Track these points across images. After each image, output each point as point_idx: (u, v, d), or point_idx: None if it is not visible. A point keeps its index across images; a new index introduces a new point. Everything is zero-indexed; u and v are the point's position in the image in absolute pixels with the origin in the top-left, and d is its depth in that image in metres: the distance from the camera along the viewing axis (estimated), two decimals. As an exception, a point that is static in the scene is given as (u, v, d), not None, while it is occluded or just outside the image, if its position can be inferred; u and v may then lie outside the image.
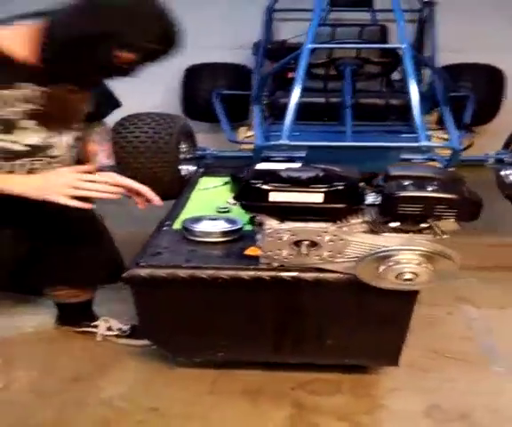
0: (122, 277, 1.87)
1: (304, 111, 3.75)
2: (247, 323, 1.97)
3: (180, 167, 3.05)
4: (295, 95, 3.00)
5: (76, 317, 2.43)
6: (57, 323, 2.48)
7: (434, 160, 3.01)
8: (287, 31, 4.81)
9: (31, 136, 1.82)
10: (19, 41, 1.73)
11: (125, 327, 2.39)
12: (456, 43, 4.56)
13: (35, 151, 1.85)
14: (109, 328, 2.40)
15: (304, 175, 1.72)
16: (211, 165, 3.17)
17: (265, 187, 1.72)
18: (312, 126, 3.64)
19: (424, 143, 2.75)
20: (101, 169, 2.03)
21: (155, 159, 2.60)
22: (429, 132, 3.50)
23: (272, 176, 1.74)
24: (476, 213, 1.65)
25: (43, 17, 1.73)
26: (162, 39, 1.74)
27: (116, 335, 2.39)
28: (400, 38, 3.25)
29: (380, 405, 2.04)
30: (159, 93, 4.80)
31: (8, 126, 1.76)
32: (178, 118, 3.12)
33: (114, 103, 2.20)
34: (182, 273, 1.86)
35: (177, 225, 2.16)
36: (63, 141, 1.93)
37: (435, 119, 3.94)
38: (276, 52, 4.52)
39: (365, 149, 2.94)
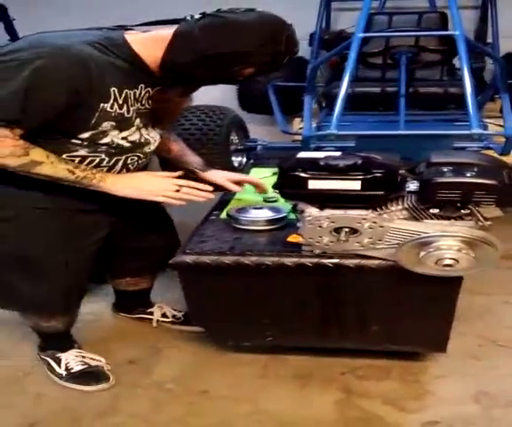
0: (169, 264, 1.95)
1: (360, 101, 3.76)
2: (292, 309, 2.01)
3: (232, 159, 3.11)
4: (345, 85, 2.99)
5: (132, 304, 2.53)
6: (113, 310, 2.59)
7: (490, 148, 2.95)
8: (346, 21, 4.77)
9: (135, 133, 1.91)
10: (147, 46, 1.82)
11: (179, 314, 2.47)
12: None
13: (135, 148, 1.93)
14: (164, 315, 2.49)
15: (342, 163, 1.74)
16: (261, 156, 3.21)
17: (304, 175, 1.76)
18: (366, 116, 3.62)
19: (475, 131, 2.69)
20: (202, 170, 2.27)
21: (205, 151, 2.66)
22: (490, 120, 3.45)
23: (311, 164, 1.78)
24: (517, 200, 1.64)
25: (172, 26, 1.82)
26: (283, 55, 1.82)
27: (171, 322, 2.47)
28: (454, 25, 3.19)
29: (427, 391, 2.04)
30: (217, 87, 4.87)
31: (123, 123, 1.85)
32: (228, 110, 3.16)
33: None
34: (226, 260, 1.92)
35: (224, 214, 2.23)
36: (157, 138, 2.04)
37: (498, 107, 3.85)
38: (332, 42, 4.49)
39: (415, 137, 2.91)
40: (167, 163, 2.55)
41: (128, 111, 1.83)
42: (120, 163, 1.91)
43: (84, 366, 2.15)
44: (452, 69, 4.28)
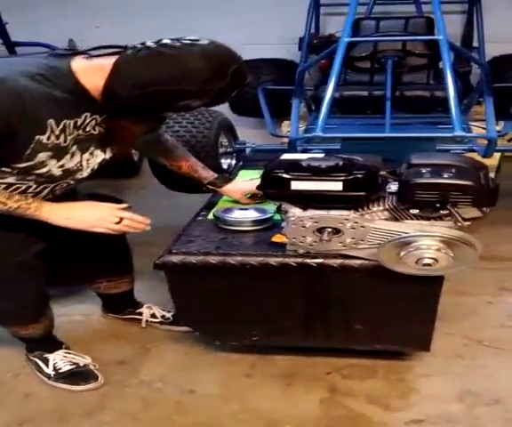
0: (156, 264, 1.98)
1: (348, 104, 3.81)
2: (277, 309, 2.05)
3: (220, 161, 3.14)
4: (330, 88, 3.04)
5: (120, 305, 2.55)
6: (103, 311, 2.61)
7: (473, 151, 3.00)
8: (335, 25, 4.83)
9: (70, 161, 1.87)
10: (90, 75, 1.76)
11: (168, 315, 2.50)
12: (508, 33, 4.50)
13: (67, 175, 1.90)
14: (153, 315, 2.51)
15: (324, 164, 1.78)
16: (250, 158, 3.25)
17: (286, 176, 1.80)
18: (353, 119, 3.67)
19: (458, 133, 2.75)
20: (219, 185, 2.37)
21: (194, 153, 2.68)
22: (475, 123, 3.50)
23: (293, 166, 1.82)
24: (492, 200, 1.68)
25: (117, 54, 1.75)
26: (229, 89, 1.77)
27: (160, 322, 2.50)
28: (438, 30, 3.25)
29: (411, 389, 2.08)
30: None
31: (60, 152, 1.81)
32: (217, 113, 3.20)
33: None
34: (212, 260, 1.96)
35: (211, 215, 2.26)
36: (93, 164, 1.97)
37: (484, 110, 3.90)
38: (321, 46, 4.55)
39: (400, 139, 2.95)
40: (156, 165, 2.57)
41: (65, 140, 1.79)
42: (47, 190, 1.91)
43: (73, 366, 2.17)
44: (438, 73, 4.33)
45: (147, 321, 2.51)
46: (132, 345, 2.38)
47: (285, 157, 1.96)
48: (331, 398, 2.04)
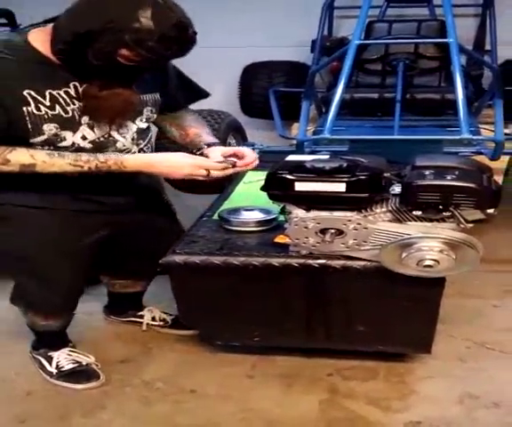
0: (159, 263, 1.98)
1: (359, 106, 3.81)
2: (279, 309, 2.04)
3: (228, 162, 3.14)
4: (339, 90, 3.04)
5: (124, 307, 2.54)
6: (104, 313, 2.61)
7: (481, 153, 2.99)
8: (349, 28, 4.81)
9: (93, 133, 1.88)
10: (46, 41, 1.76)
11: (168, 318, 2.49)
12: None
13: (98, 147, 1.89)
14: (153, 318, 2.50)
15: (328, 166, 1.78)
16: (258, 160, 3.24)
17: (290, 177, 1.80)
18: (362, 121, 3.66)
19: (465, 136, 2.74)
20: (210, 145, 2.12)
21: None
22: (485, 126, 3.48)
23: (297, 167, 1.82)
24: (495, 202, 1.67)
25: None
26: (174, 41, 1.68)
27: (159, 326, 2.49)
28: (448, 32, 3.24)
29: (412, 391, 2.07)
30: (219, 92, 4.92)
31: (68, 124, 1.83)
32: (225, 114, 3.21)
33: (198, 94, 2.27)
34: (215, 260, 1.96)
35: (216, 216, 2.26)
36: (127, 136, 1.96)
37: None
38: (333, 49, 4.53)
39: (407, 142, 2.95)
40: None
41: (65, 111, 1.81)
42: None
43: (75, 365, 2.18)
44: (450, 76, 4.30)
45: (147, 324, 2.50)
46: (134, 345, 2.39)
47: (290, 158, 1.96)
48: (330, 399, 2.03)
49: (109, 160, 1.86)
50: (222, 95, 4.89)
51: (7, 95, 1.74)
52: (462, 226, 1.72)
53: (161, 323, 2.49)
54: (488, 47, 4.58)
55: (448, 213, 1.72)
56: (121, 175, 1.91)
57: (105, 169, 1.86)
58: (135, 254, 2.27)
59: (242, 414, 1.97)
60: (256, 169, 2.90)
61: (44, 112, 1.78)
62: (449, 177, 1.66)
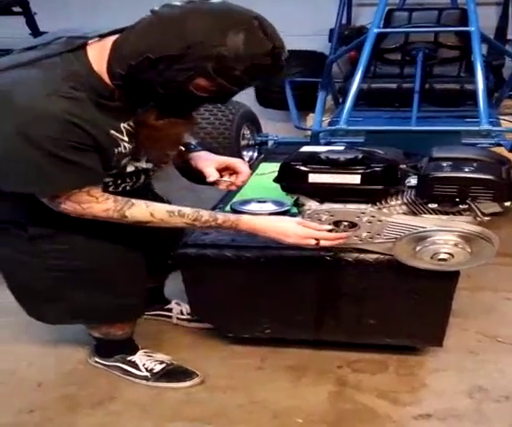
0: (170, 256, 1.97)
1: (376, 97, 3.76)
2: (290, 302, 2.03)
3: (242, 153, 3.13)
4: (357, 80, 2.99)
5: (149, 301, 2.43)
6: None
7: (500, 145, 2.93)
8: (368, 17, 4.75)
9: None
10: (101, 59, 1.54)
11: None
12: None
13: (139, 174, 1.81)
14: (181, 312, 2.43)
15: (342, 157, 1.75)
16: (271, 151, 3.22)
17: (304, 168, 1.77)
18: (380, 112, 3.61)
19: (484, 127, 2.69)
20: (186, 145, 1.94)
21: (215, 145, 2.67)
22: (505, 117, 3.42)
23: (311, 158, 1.79)
24: (512, 195, 1.63)
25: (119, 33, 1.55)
26: (264, 70, 1.49)
27: (187, 320, 2.41)
28: (470, 21, 3.18)
29: (422, 384, 2.05)
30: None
31: (137, 153, 1.73)
32: (240, 105, 3.18)
33: None
34: (227, 252, 1.95)
35: (228, 207, 2.24)
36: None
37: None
38: (351, 38, 4.48)
39: (425, 133, 2.90)
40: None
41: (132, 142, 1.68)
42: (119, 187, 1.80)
43: (163, 365, 2.10)
44: (470, 66, 4.24)
45: (177, 318, 2.42)
46: (146, 336, 2.35)
47: (304, 149, 1.93)
48: (340, 391, 2.02)
49: (227, 222, 1.75)
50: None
51: (102, 139, 1.56)
52: (479, 219, 1.69)
53: (188, 317, 2.40)
54: (510, 37, 4.52)
55: (464, 206, 1.68)
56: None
57: (214, 227, 1.79)
58: (146, 249, 2.19)
59: (251, 405, 1.95)
60: (270, 160, 2.89)
61: (127, 149, 1.65)
62: (466, 169, 1.63)
